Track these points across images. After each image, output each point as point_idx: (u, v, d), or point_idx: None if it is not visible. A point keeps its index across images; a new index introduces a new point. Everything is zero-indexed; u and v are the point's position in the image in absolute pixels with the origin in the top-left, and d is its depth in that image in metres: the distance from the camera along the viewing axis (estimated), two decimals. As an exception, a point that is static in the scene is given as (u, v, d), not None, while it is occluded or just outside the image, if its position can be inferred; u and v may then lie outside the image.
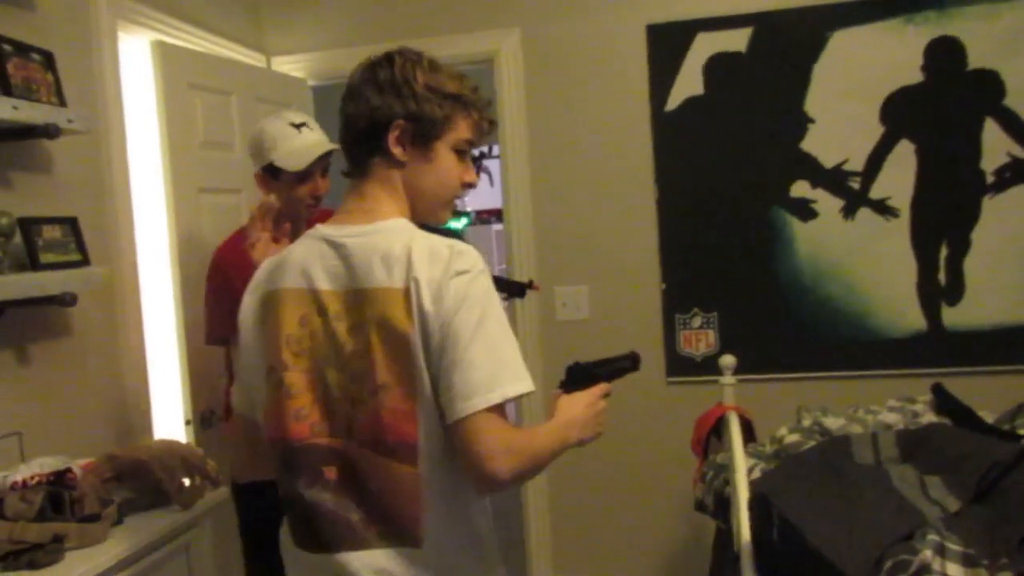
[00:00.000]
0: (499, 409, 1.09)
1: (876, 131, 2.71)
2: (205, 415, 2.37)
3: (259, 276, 1.25)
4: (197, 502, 1.69)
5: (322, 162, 2.01)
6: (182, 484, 1.68)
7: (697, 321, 2.85)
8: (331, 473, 1.15)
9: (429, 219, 1.26)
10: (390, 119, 1.18)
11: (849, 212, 2.74)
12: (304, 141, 2.00)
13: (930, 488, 1.52)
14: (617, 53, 2.86)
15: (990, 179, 2.65)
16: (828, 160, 2.74)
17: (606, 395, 1.32)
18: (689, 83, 2.80)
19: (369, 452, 1.13)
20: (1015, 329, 2.66)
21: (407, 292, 1.11)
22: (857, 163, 2.73)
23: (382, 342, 1.11)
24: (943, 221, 2.69)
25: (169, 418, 2.38)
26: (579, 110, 2.91)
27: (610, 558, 3.00)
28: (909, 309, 2.73)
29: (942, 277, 2.70)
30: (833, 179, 2.74)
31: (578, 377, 1.35)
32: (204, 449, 1.85)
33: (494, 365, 1.09)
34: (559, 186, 2.93)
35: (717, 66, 2.79)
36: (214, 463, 1.77)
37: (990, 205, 2.66)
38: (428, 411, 1.11)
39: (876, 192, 2.72)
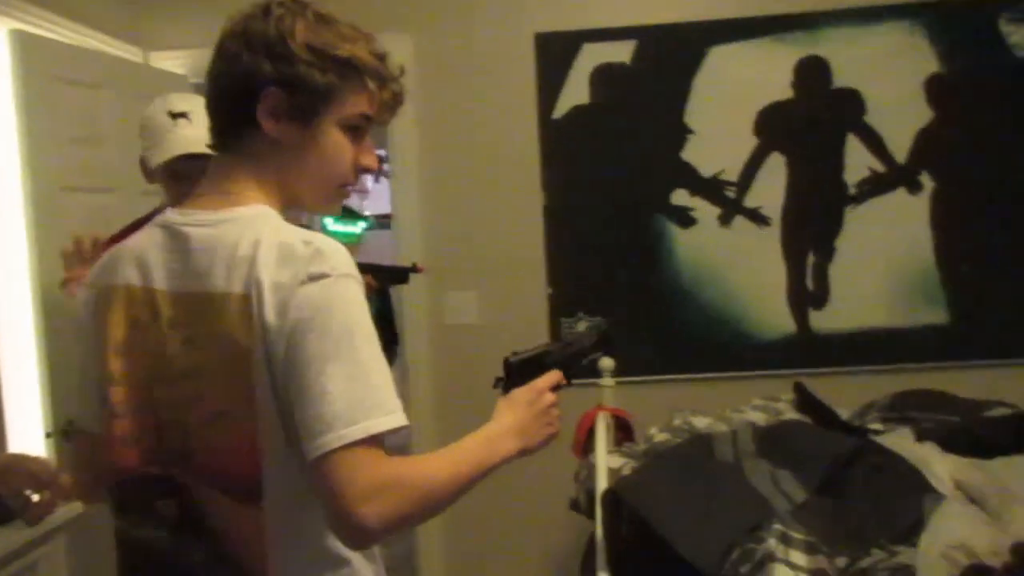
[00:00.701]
0: (367, 442, 0.87)
1: (750, 143, 2.84)
2: (67, 427, 2.26)
3: (95, 269, 1.08)
4: (46, 518, 1.61)
5: (194, 164, 1.78)
6: (28, 499, 1.59)
7: (582, 325, 2.91)
8: (168, 509, 0.98)
9: (314, 210, 1.07)
10: (260, 85, 0.96)
11: (726, 220, 2.86)
12: (176, 136, 1.74)
13: (781, 481, 1.61)
14: (506, 61, 2.90)
15: (852, 191, 2.81)
16: (706, 169, 2.85)
17: (558, 386, 1.12)
18: (576, 92, 2.87)
19: (206, 488, 0.96)
20: (874, 332, 2.83)
21: (247, 299, 0.91)
22: (733, 173, 2.85)
23: (219, 360, 0.92)
24: (810, 230, 2.85)
25: (27, 431, 2.26)
26: (468, 116, 2.93)
27: (498, 562, 3.02)
28: (780, 313, 2.87)
29: (809, 283, 2.85)
30: (711, 188, 2.86)
31: (520, 370, 1.12)
32: (64, 463, 1.77)
33: (355, 393, 0.87)
34: (449, 191, 2.95)
35: (603, 76, 2.86)
36: (68, 477, 1.69)
37: (852, 215, 2.82)
38: (276, 445, 0.92)
39: (750, 201, 2.85)
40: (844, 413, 2.16)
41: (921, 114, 2.77)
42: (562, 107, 2.88)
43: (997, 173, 2.78)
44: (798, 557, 1.37)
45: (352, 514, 0.84)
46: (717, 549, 1.35)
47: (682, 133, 2.85)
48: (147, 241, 1.02)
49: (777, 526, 1.40)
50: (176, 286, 0.98)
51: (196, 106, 1.73)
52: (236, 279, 0.92)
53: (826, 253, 2.85)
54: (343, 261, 0.92)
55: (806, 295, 2.86)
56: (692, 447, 1.75)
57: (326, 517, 0.89)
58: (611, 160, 2.87)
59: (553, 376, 1.12)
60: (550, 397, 1.10)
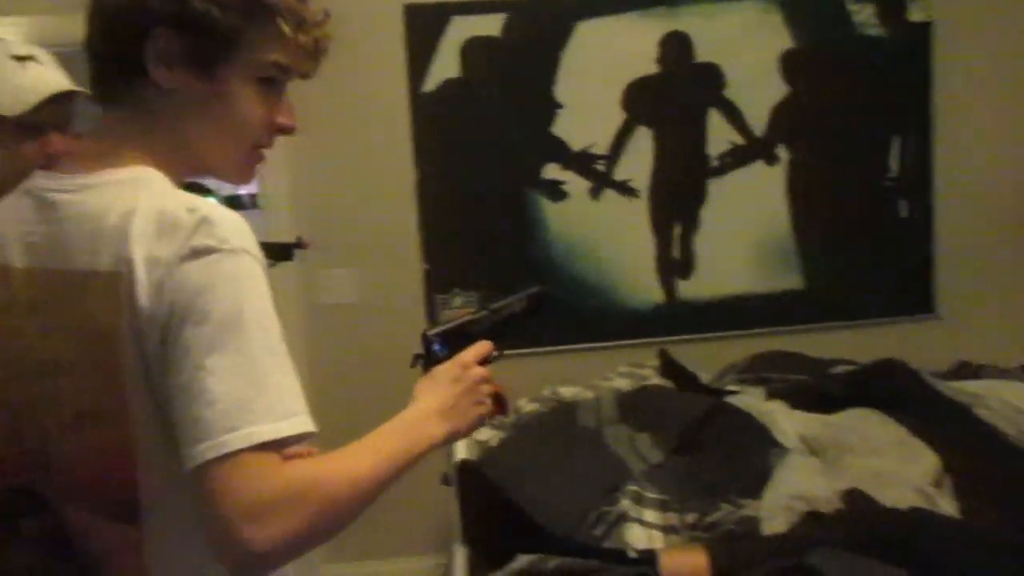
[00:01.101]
0: (256, 450, 0.73)
1: (618, 117, 2.89)
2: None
3: None
4: None
5: (56, 110, 1.47)
6: None
7: (457, 301, 2.92)
8: (30, 528, 0.84)
9: (224, 177, 0.92)
10: (146, 24, 0.81)
11: (596, 193, 2.92)
12: (29, 78, 1.46)
13: (639, 444, 1.67)
14: (375, 33, 2.84)
15: (715, 163, 2.92)
16: (576, 143, 2.89)
17: (488, 359, 1.02)
18: (447, 65, 2.84)
19: (73, 503, 0.82)
20: (736, 298, 2.96)
21: (116, 278, 0.77)
22: (602, 147, 2.90)
23: (81, 352, 0.79)
24: (676, 201, 2.94)
25: None
26: (337, 89, 2.85)
27: (371, 539, 3.01)
28: (649, 283, 2.95)
29: (676, 253, 2.95)
30: (581, 162, 2.90)
31: (441, 343, 1.02)
32: None
33: (242, 392, 0.73)
34: (318, 167, 2.87)
35: (473, 49, 2.85)
36: None
37: (715, 187, 2.93)
38: (154, 453, 0.79)
39: (619, 174, 2.91)
40: (706, 376, 2.26)
41: (777, 88, 2.90)
42: (433, 81, 2.85)
43: (847, 145, 2.94)
44: (651, 515, 1.43)
45: (234, 537, 0.71)
46: (573, 514, 1.38)
47: (552, 107, 2.88)
48: (6, 211, 0.86)
49: (631, 487, 1.45)
50: (38, 262, 0.82)
51: (38, 51, 1.51)
52: (103, 255, 0.78)
53: (691, 224, 2.95)
54: (235, 232, 0.77)
55: (673, 265, 2.96)
56: (555, 416, 1.79)
57: (205, 540, 0.74)
58: (483, 134, 2.87)
59: (481, 348, 1.01)
60: (478, 371, 0.98)
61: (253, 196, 2.86)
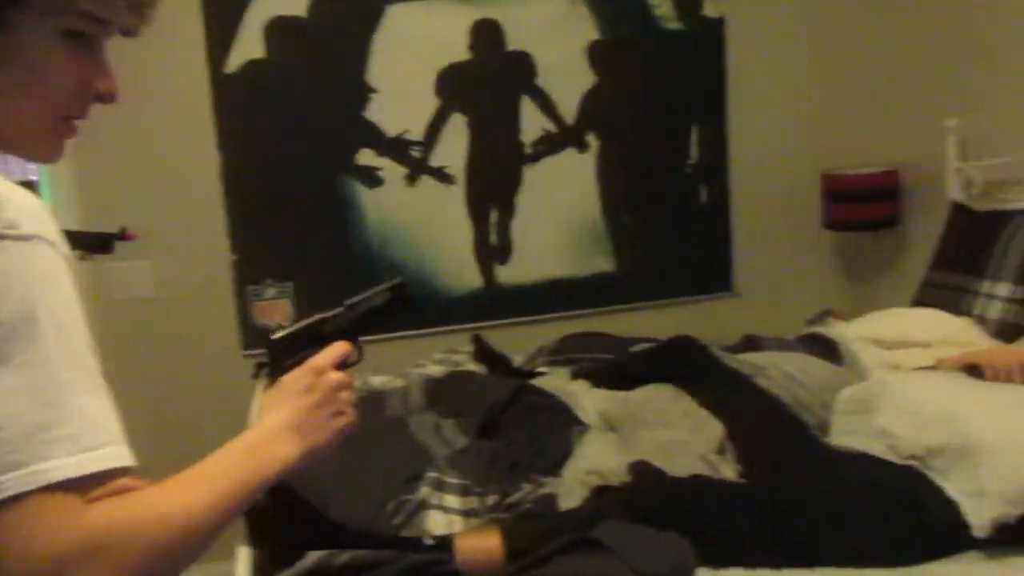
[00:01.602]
0: (53, 490, 0.60)
1: (432, 103, 2.88)
2: None
3: None
4: None
5: None
6: None
7: (270, 291, 2.81)
8: None
9: (29, 154, 0.78)
10: None
11: (412, 179, 2.89)
12: None
13: (444, 430, 1.67)
14: (169, 10, 2.65)
15: (528, 150, 2.97)
16: (390, 129, 2.85)
17: (345, 363, 0.90)
18: (249, 46, 2.71)
19: None
20: (552, 282, 3.04)
21: None
22: (417, 133, 2.88)
23: None
24: (492, 188, 2.97)
25: None
26: (130, 70, 2.65)
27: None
28: (468, 269, 2.97)
29: (494, 239, 2.98)
30: (396, 148, 2.86)
31: (289, 348, 0.89)
32: None
33: (34, 417, 0.61)
34: (110, 152, 2.66)
35: (278, 30, 2.73)
36: None
37: (530, 173, 2.98)
38: None
39: (435, 160, 2.90)
40: (518, 359, 2.30)
41: (585, 78, 2.98)
42: (235, 62, 2.71)
43: (651, 133, 3.07)
44: (452, 500, 1.43)
45: None
46: (371, 506, 1.36)
47: (364, 92, 2.82)
48: None
49: (432, 474, 1.45)
50: None
51: None
52: None
53: (507, 210, 2.99)
54: (27, 215, 0.64)
55: (491, 250, 2.99)
56: (362, 406, 1.75)
57: None
58: (293, 119, 2.77)
59: (336, 350, 0.89)
60: (335, 377, 0.86)
61: (31, 182, 2.60)
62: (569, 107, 2.98)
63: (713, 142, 3.11)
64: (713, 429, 1.67)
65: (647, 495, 1.33)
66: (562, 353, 2.23)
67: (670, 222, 3.12)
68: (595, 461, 1.53)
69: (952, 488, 1.39)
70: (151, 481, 0.70)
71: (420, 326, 2.90)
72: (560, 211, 3.03)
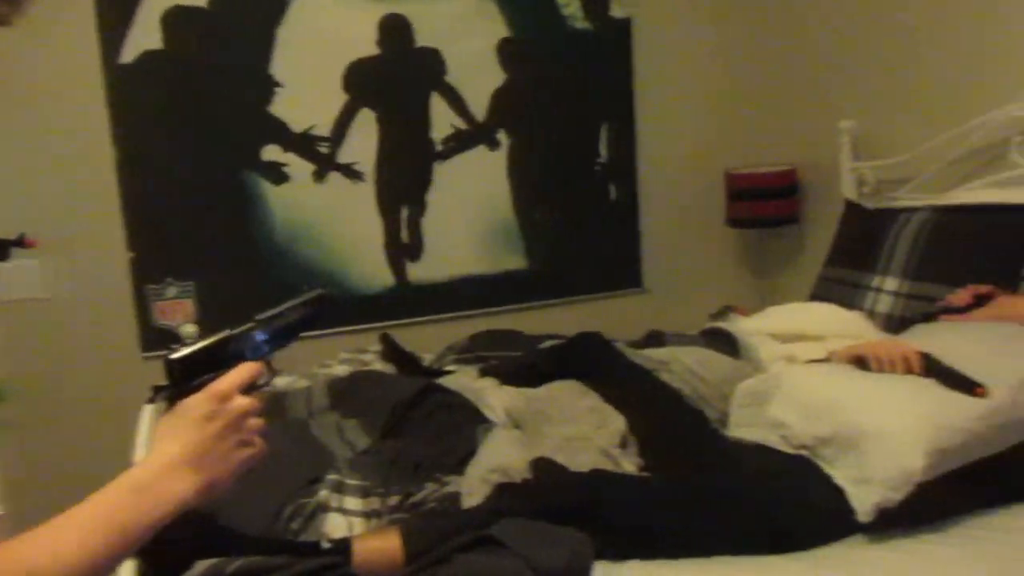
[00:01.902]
0: None
1: (340, 98, 2.83)
2: None
3: None
4: None
5: None
6: None
7: (172, 291, 2.71)
8: None
9: None
10: None
11: (320, 176, 2.83)
12: None
13: (347, 431, 1.64)
14: (58, -5, 2.53)
15: (439, 147, 2.95)
16: (297, 124, 2.79)
17: (254, 386, 0.81)
18: (146, 35, 2.60)
19: None
20: (465, 279, 3.03)
21: None
22: (325, 128, 2.82)
23: None
24: (403, 185, 2.94)
25: None
26: (17, 59, 2.52)
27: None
28: (379, 267, 2.93)
29: (405, 236, 2.95)
30: (303, 143, 2.80)
31: (190, 369, 0.78)
32: None
33: None
34: (-6, 144, 2.52)
35: (176, 19, 2.63)
36: None
37: (440, 170, 2.97)
38: None
39: (344, 157, 2.85)
40: (428, 358, 2.28)
41: (495, 75, 2.98)
42: (131, 52, 2.60)
43: (561, 131, 3.09)
44: (352, 502, 1.41)
45: None
46: (266, 510, 1.33)
47: (270, 86, 2.75)
48: None
49: (332, 476, 1.42)
50: None
51: None
52: None
53: (418, 207, 2.96)
54: None
55: (402, 248, 2.96)
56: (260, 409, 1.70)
57: None
58: (193, 112, 2.67)
59: (244, 372, 0.79)
60: (241, 403, 0.78)
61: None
62: (480, 105, 2.98)
63: (622, 141, 3.15)
64: (616, 424, 1.69)
65: (546, 491, 1.34)
66: (471, 351, 2.22)
67: (581, 220, 3.16)
68: (498, 458, 1.53)
69: (839, 476, 1.45)
70: (25, 530, 0.64)
71: (330, 325, 2.85)
72: (472, 208, 3.02)
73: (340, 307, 2.88)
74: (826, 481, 1.45)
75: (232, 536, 1.23)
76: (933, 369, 1.53)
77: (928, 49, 2.43)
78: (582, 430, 1.64)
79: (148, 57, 2.62)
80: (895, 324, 2.13)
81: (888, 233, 2.27)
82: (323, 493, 1.37)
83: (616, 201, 3.18)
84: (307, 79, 2.78)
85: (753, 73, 3.16)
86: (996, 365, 1.51)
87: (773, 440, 1.59)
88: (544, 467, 1.42)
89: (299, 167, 2.81)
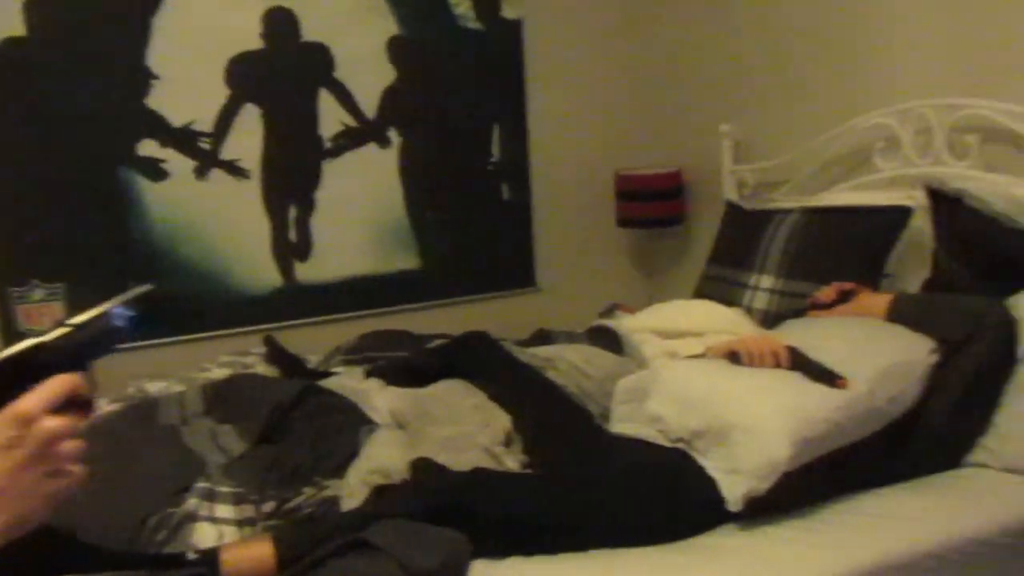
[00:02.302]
0: None
1: (223, 92, 2.73)
2: None
3: None
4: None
5: None
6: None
7: (38, 294, 2.55)
8: None
9: None
10: None
11: (202, 172, 2.73)
12: None
13: (221, 437, 1.58)
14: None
15: (328, 145, 2.89)
16: (176, 119, 2.68)
17: (75, 402, 0.67)
18: (6, 21, 2.44)
19: None
20: (356, 280, 2.98)
21: None
22: (206, 123, 2.72)
23: None
24: (290, 183, 2.86)
25: None
26: None
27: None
28: (265, 267, 2.85)
29: (293, 235, 2.88)
30: (183, 139, 2.69)
31: None
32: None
33: None
34: None
35: (40, 5, 2.48)
36: None
37: (330, 168, 2.90)
38: None
39: (227, 153, 2.75)
40: (314, 360, 2.23)
41: (386, 73, 2.95)
42: (-10, 38, 2.43)
43: (454, 130, 3.08)
44: (224, 510, 1.36)
45: None
46: (130, 523, 1.26)
47: (146, 78, 2.63)
48: None
49: (202, 484, 1.37)
50: None
51: None
52: None
53: (307, 205, 2.90)
54: None
55: (290, 247, 2.88)
56: (132, 416, 1.63)
57: None
58: (61, 104, 2.52)
59: (52, 388, 0.65)
60: (49, 426, 0.64)
61: None
62: (370, 102, 2.93)
63: (514, 141, 3.17)
64: (501, 422, 1.70)
65: (423, 492, 1.32)
66: (359, 352, 2.19)
67: (474, 219, 3.15)
68: (379, 460, 1.51)
69: (712, 467, 1.49)
70: None
71: (213, 327, 2.75)
72: (363, 207, 2.97)
73: (224, 308, 2.78)
74: (700, 473, 1.50)
75: (90, 551, 1.16)
76: (799, 363, 1.60)
77: (802, 59, 2.54)
78: (465, 429, 1.63)
79: (9, 44, 2.46)
80: (771, 320, 2.21)
81: (764, 233, 2.37)
82: (192, 501, 1.32)
83: (509, 201, 3.20)
84: (187, 72, 2.67)
85: (641, 76, 3.23)
86: (856, 358, 1.59)
87: (652, 434, 1.63)
88: (423, 467, 1.41)
89: (179, 163, 2.69)
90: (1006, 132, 1.96)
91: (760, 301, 2.30)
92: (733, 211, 2.63)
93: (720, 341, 1.77)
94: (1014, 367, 1.57)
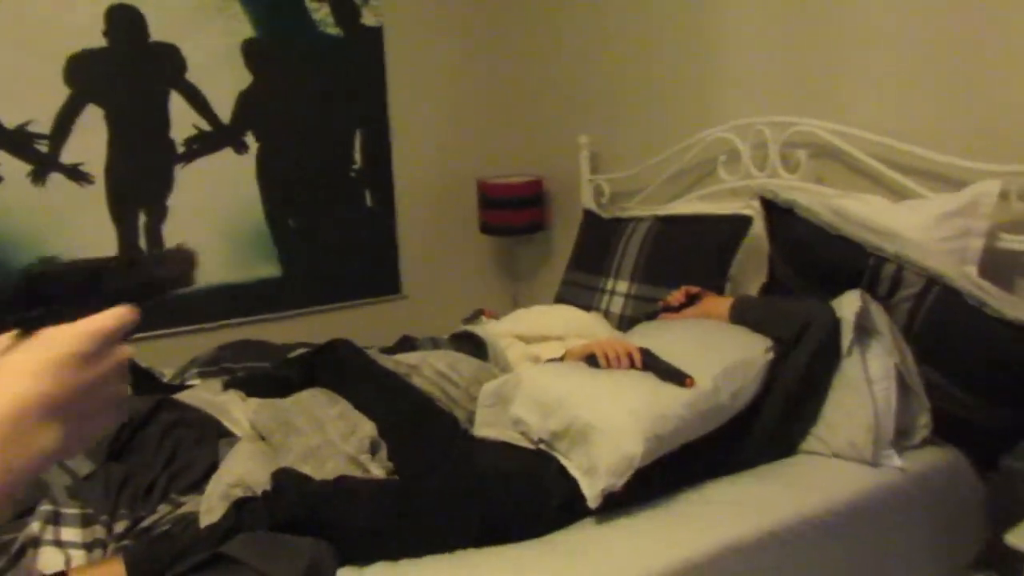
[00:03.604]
0: None
1: (62, 92, 2.57)
2: None
3: None
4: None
5: None
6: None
7: None
8: None
9: None
10: None
11: (39, 177, 2.56)
12: None
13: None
14: None
15: (180, 148, 2.78)
16: (10, 120, 2.50)
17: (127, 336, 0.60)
18: None
19: None
20: (213, 290, 2.88)
21: None
22: (44, 125, 2.56)
23: None
24: (140, 188, 2.73)
25: None
26: None
27: None
28: (112, 277, 2.70)
29: (143, 243, 2.75)
30: (17, 141, 2.52)
31: (62, 291, 0.60)
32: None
33: None
34: None
35: None
36: None
37: (183, 174, 2.80)
38: None
39: (68, 157, 2.60)
40: (169, 373, 2.14)
41: (241, 76, 2.87)
42: None
43: (315, 136, 3.04)
44: (70, 533, 1.29)
45: None
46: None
47: (-26, 74, 2.44)
48: None
49: (45, 507, 1.29)
50: None
51: None
52: None
53: (159, 212, 2.77)
54: None
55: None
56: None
57: None
58: None
59: (129, 316, 0.59)
60: (127, 352, 0.59)
61: None
62: (224, 106, 2.85)
63: (377, 148, 3.16)
64: (365, 430, 1.69)
65: (284, 503, 1.31)
66: (217, 363, 2.12)
67: (336, 226, 3.12)
68: (239, 473, 1.47)
69: (573, 466, 1.55)
70: None
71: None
72: (219, 214, 2.88)
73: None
74: (561, 472, 1.55)
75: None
76: (651, 363, 1.69)
77: (655, 77, 2.68)
78: (329, 438, 1.62)
79: None
80: (626, 323, 2.32)
81: (619, 240, 2.48)
82: (34, 525, 1.24)
83: (372, 208, 3.18)
84: (21, 69, 2.50)
85: (503, 87, 3.30)
86: (702, 357, 1.70)
87: (515, 437, 1.67)
88: (285, 478, 1.39)
89: (13, 167, 2.52)
90: (831, 148, 2.15)
91: (616, 305, 2.40)
92: (590, 219, 2.73)
93: (577, 345, 1.84)
94: (839, 362, 1.72)
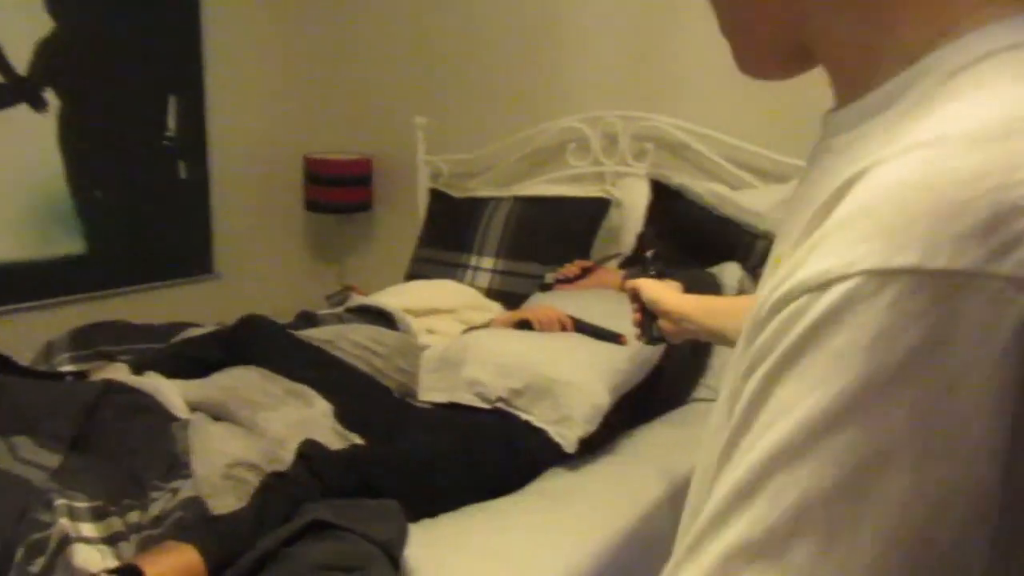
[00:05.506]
0: None
1: None
2: None
3: None
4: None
5: None
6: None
7: None
8: None
9: None
10: None
11: None
12: None
13: (20, 450, 1.30)
14: None
15: (-32, 101, 2.36)
16: None
17: None
18: None
19: None
20: (25, 265, 2.48)
21: None
22: None
23: None
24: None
25: None
26: None
27: None
28: None
29: (-79, 212, 2.29)
30: None
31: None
32: None
33: None
34: None
35: None
36: None
37: (-28, 131, 2.37)
38: None
39: None
40: (27, 359, 1.86)
41: (41, 22, 2.50)
42: None
43: (124, 98, 2.73)
44: (89, 529, 1.14)
45: None
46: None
47: None
48: None
49: (61, 501, 1.13)
50: None
51: None
52: None
53: (-60, 175, 2.33)
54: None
55: (-83, 227, 2.29)
56: None
57: None
58: None
59: None
60: None
61: None
62: (20, 55, 2.46)
63: (192, 115, 2.93)
64: (320, 403, 1.66)
65: (333, 471, 1.28)
66: (90, 348, 1.88)
67: (147, 199, 2.84)
68: (233, 453, 1.39)
69: (537, 419, 1.69)
70: None
71: None
72: (13, 181, 2.49)
73: None
74: (526, 425, 1.68)
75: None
76: (581, 327, 1.88)
77: (497, 65, 2.85)
78: (305, 412, 1.58)
79: None
80: (494, 296, 2.47)
81: (479, 218, 2.62)
82: (64, 522, 1.09)
83: (186, 180, 2.95)
84: None
85: (330, 62, 3.22)
86: (616, 320, 1.92)
87: (468, 398, 1.76)
88: (315, 448, 1.36)
89: None
90: (674, 141, 2.50)
91: (483, 280, 2.54)
92: (439, 198, 2.83)
93: (504, 314, 1.97)
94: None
